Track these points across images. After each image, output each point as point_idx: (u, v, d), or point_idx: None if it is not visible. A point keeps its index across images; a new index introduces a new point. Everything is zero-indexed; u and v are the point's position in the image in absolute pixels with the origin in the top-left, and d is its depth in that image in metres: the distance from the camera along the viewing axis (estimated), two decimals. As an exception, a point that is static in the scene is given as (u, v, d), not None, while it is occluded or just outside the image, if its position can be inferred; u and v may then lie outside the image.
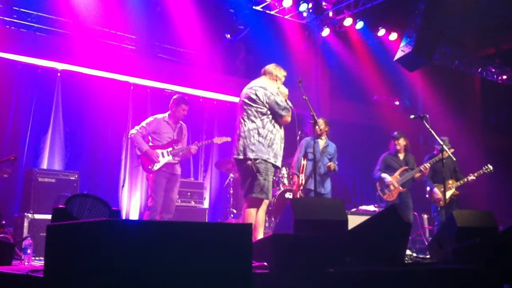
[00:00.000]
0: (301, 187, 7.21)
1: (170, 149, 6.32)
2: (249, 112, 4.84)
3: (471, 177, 7.51)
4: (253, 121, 4.81)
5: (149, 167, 6.19)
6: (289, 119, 4.94)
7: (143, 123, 6.38)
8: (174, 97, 6.62)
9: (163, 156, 6.26)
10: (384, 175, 7.54)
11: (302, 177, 7.27)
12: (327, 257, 3.44)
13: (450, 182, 7.50)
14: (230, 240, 2.55)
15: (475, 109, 12.70)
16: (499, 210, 6.51)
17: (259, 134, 4.78)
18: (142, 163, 6.31)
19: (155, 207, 6.11)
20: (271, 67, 5.11)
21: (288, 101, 5.04)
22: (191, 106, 6.77)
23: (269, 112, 4.84)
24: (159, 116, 6.46)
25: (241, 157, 4.79)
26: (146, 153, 6.19)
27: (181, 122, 6.57)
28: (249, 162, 4.74)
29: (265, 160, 4.75)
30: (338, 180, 9.99)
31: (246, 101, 4.88)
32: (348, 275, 3.34)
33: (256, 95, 4.84)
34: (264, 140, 4.77)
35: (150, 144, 6.31)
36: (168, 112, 6.47)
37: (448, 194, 7.35)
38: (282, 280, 3.10)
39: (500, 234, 4.62)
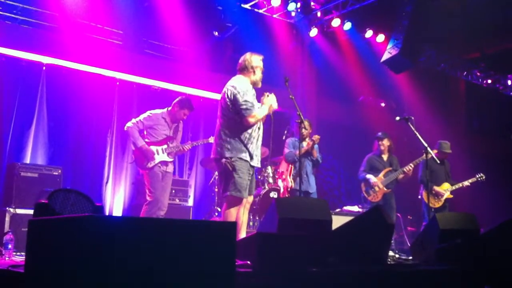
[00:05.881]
0: (289, 189, 7.25)
1: (165, 146, 6.25)
2: (224, 112, 4.86)
3: (466, 183, 7.71)
4: (227, 121, 4.83)
5: (144, 164, 6.13)
6: (251, 120, 4.75)
7: (141, 117, 6.29)
8: (181, 97, 6.54)
9: (157, 153, 6.19)
10: (369, 176, 7.60)
11: (289, 179, 7.31)
12: (311, 257, 3.45)
13: (446, 185, 7.64)
14: (214, 238, 2.54)
15: (459, 112, 12.82)
16: (481, 212, 6.58)
17: (233, 133, 4.79)
18: (136, 159, 6.24)
19: (154, 202, 6.05)
20: (244, 62, 4.97)
21: (271, 97, 4.94)
22: (193, 111, 6.70)
23: None
24: (157, 111, 6.37)
25: (218, 156, 4.83)
26: (141, 149, 6.11)
27: None
28: (224, 160, 4.76)
29: (240, 158, 4.76)
30: (323, 180, 10.03)
31: (221, 100, 4.90)
32: (331, 275, 3.35)
33: (226, 94, 4.84)
34: (239, 139, 4.78)
35: (146, 140, 6.23)
36: (168, 109, 6.38)
37: (444, 197, 7.57)
38: (265, 279, 3.10)
39: (482, 236, 4.67)
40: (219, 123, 4.90)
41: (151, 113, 6.34)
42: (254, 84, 4.99)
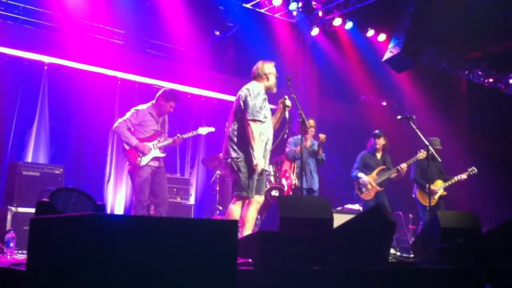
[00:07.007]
0: (293, 187, 7.27)
1: (156, 142, 6.19)
2: (235, 113, 5.01)
3: (458, 178, 7.64)
4: (237, 122, 4.96)
5: (137, 161, 6.06)
6: (250, 123, 4.81)
7: (127, 116, 6.14)
8: (165, 89, 6.43)
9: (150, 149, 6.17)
10: (360, 174, 7.61)
11: (293, 176, 7.32)
12: (312, 255, 3.45)
13: (439, 182, 7.61)
14: (216, 236, 2.54)
15: (460, 111, 12.80)
16: (482, 211, 6.58)
17: (241, 135, 4.89)
18: (129, 157, 6.15)
19: (142, 204, 6.00)
20: (256, 70, 5.14)
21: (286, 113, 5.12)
22: (179, 102, 6.67)
23: None
24: (143, 107, 6.22)
25: (225, 156, 4.96)
26: (137, 147, 6.01)
27: None
28: (229, 160, 4.88)
29: (245, 159, 4.84)
30: (325, 179, 10.03)
31: (235, 103, 5.05)
32: (332, 273, 3.35)
33: (240, 96, 4.99)
34: (247, 141, 4.85)
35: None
36: (152, 102, 6.24)
37: (437, 194, 7.52)
38: (267, 277, 3.10)
39: (483, 235, 4.67)
40: (230, 125, 5.02)
41: (137, 110, 6.19)
42: (268, 89, 5.13)
